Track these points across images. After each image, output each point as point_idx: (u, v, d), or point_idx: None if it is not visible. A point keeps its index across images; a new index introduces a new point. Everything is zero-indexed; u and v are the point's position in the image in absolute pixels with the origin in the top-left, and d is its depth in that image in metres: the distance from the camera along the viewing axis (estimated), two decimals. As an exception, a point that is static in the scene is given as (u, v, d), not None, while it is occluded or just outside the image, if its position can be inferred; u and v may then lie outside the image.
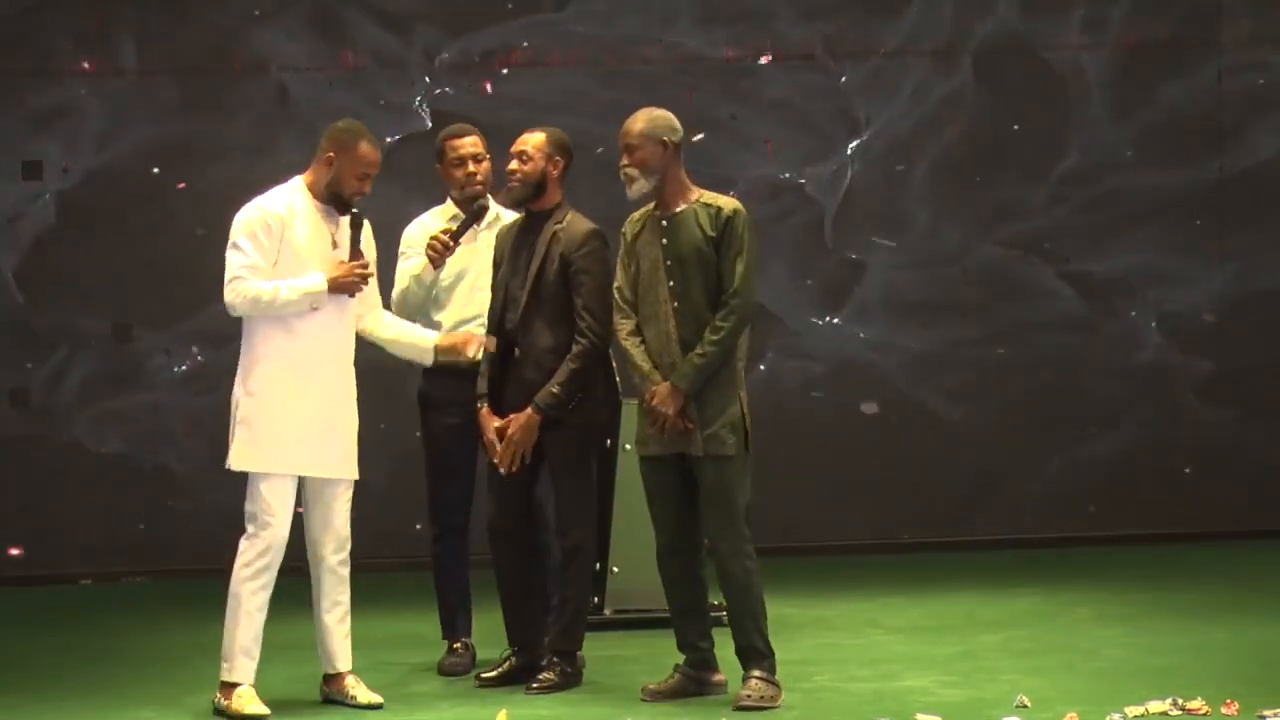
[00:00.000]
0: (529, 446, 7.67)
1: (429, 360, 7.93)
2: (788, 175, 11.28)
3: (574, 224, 7.73)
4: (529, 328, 7.70)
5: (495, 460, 7.75)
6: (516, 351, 7.75)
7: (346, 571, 7.65)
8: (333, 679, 7.67)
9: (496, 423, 7.72)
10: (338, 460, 7.56)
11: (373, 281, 7.64)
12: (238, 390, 7.47)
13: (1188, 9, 11.41)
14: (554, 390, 7.62)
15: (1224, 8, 11.41)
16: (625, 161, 7.47)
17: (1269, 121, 11.47)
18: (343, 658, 7.65)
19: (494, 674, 7.89)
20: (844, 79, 11.28)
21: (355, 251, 7.50)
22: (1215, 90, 11.43)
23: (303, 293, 7.37)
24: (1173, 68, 11.41)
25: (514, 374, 7.75)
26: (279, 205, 7.43)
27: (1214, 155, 11.43)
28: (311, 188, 7.50)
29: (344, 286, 7.45)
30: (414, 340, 7.87)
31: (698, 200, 7.48)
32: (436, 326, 8.18)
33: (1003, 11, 11.33)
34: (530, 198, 7.76)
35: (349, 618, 7.67)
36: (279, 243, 7.38)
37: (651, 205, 7.55)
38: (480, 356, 7.83)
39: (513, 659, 7.88)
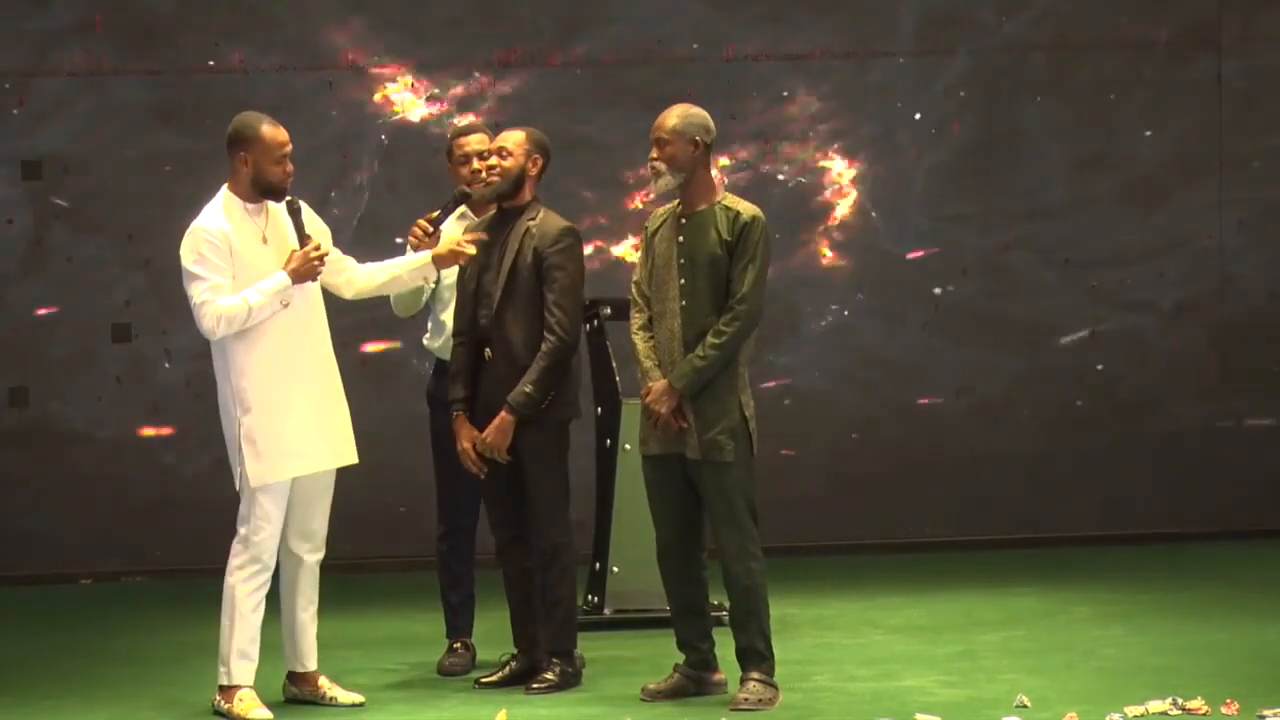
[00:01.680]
0: (503, 447, 7.67)
1: (434, 274, 7.87)
2: (788, 175, 11.27)
3: (547, 220, 7.75)
4: (502, 324, 7.70)
5: (470, 467, 7.76)
6: (488, 351, 7.75)
7: (319, 569, 7.66)
8: (302, 677, 7.66)
9: (470, 434, 7.73)
10: (339, 448, 7.58)
11: (336, 250, 7.65)
12: (233, 411, 7.43)
13: (1188, 9, 11.41)
14: (526, 390, 7.62)
15: (1224, 8, 11.41)
16: (654, 156, 7.47)
17: (1269, 121, 11.47)
18: (314, 656, 7.67)
19: (494, 677, 7.89)
20: (844, 79, 11.28)
21: (303, 237, 7.51)
22: (1215, 90, 11.43)
23: (271, 293, 7.38)
24: (1173, 68, 11.42)
25: (487, 372, 7.75)
26: (216, 222, 7.42)
27: (1214, 154, 11.42)
28: (237, 193, 7.50)
29: (305, 274, 7.46)
30: (409, 265, 7.81)
31: (719, 203, 7.49)
32: (442, 326, 8.19)
33: (1003, 11, 11.33)
34: (508, 193, 7.78)
35: (317, 616, 7.68)
36: (229, 258, 7.39)
37: (675, 203, 7.57)
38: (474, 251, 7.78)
39: (513, 662, 7.88)
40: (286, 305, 7.43)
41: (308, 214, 7.60)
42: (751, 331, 7.44)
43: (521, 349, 7.67)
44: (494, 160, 7.78)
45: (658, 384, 7.41)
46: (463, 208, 8.20)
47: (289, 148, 7.50)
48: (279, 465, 7.41)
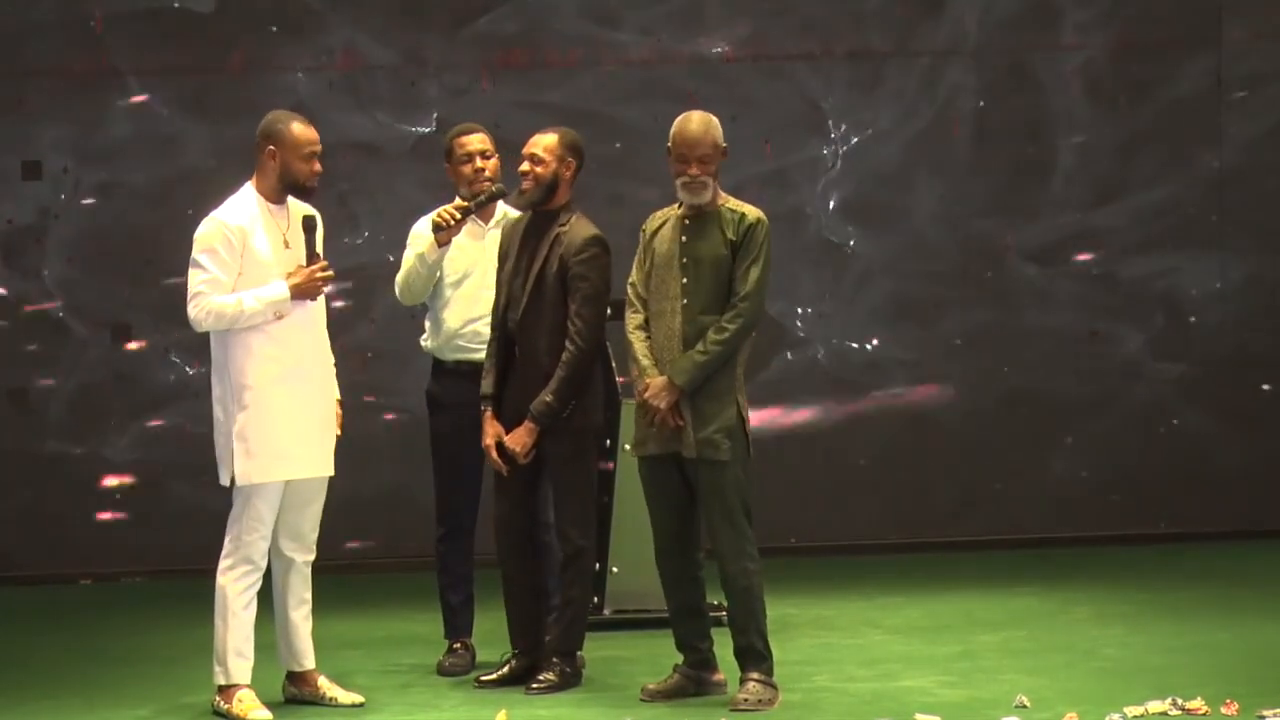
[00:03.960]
0: (521, 452, 7.68)
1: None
2: (787, 175, 11.27)
3: (576, 228, 7.74)
4: (528, 328, 7.72)
5: (494, 464, 7.78)
6: (517, 350, 7.76)
7: (309, 570, 7.66)
8: (300, 677, 7.67)
9: (496, 431, 7.75)
10: (330, 456, 7.58)
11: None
12: (230, 407, 7.44)
13: (1188, 9, 11.41)
14: (548, 400, 7.63)
15: (1224, 8, 11.41)
16: (696, 172, 7.42)
17: (1268, 121, 11.47)
18: (310, 655, 7.67)
19: (494, 676, 7.89)
20: (843, 79, 11.28)
21: (312, 255, 7.49)
22: (1215, 90, 11.43)
23: (266, 303, 7.37)
24: (1172, 67, 11.42)
25: (514, 372, 7.78)
26: (237, 216, 7.43)
27: (1213, 155, 11.43)
28: (261, 190, 7.50)
29: (306, 292, 7.45)
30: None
31: (724, 204, 7.51)
32: (441, 325, 8.20)
33: (1001, 11, 11.33)
34: (543, 200, 7.76)
35: (311, 615, 7.67)
36: (240, 255, 7.38)
37: (676, 204, 7.56)
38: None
39: (513, 661, 7.89)
40: (281, 317, 7.41)
41: (299, 210, 7.58)
42: (753, 330, 7.46)
43: (544, 355, 7.69)
44: (526, 166, 7.74)
45: (657, 379, 7.42)
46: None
47: (318, 146, 7.50)
48: (268, 466, 7.40)
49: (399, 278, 8.23)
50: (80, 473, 10.99)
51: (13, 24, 10.94)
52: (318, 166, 7.50)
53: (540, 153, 7.72)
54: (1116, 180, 11.41)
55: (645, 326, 7.55)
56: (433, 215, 8.04)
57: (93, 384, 11.01)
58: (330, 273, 7.53)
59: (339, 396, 7.74)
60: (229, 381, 7.44)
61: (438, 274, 8.15)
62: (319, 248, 7.59)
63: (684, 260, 7.47)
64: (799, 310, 11.29)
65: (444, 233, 7.97)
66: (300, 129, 7.48)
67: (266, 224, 7.45)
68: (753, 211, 7.50)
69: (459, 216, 7.97)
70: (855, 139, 11.31)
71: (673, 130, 7.51)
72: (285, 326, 7.42)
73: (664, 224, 7.59)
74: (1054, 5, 11.35)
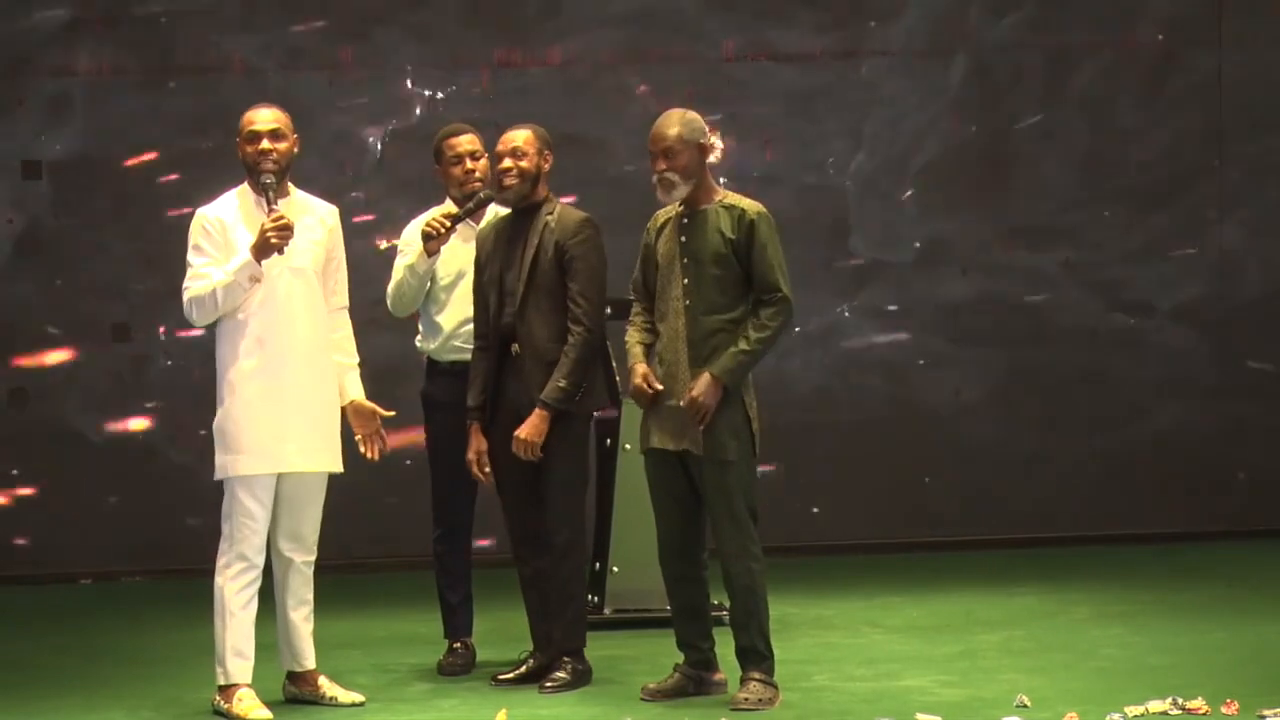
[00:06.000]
0: (538, 446, 7.67)
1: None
2: (787, 175, 11.28)
3: (565, 214, 7.78)
4: (527, 320, 7.71)
5: (476, 476, 7.81)
6: (515, 346, 7.75)
7: (311, 571, 7.64)
8: (300, 677, 7.66)
9: (480, 445, 7.76)
10: (319, 453, 7.51)
11: (341, 276, 7.63)
12: (217, 401, 7.49)
13: (1188, 9, 11.41)
14: (560, 384, 7.63)
15: (1224, 8, 11.42)
16: (664, 167, 7.40)
17: (1268, 120, 11.47)
18: (310, 655, 7.66)
19: (511, 675, 7.90)
20: (844, 79, 11.29)
21: (270, 211, 7.37)
22: (1215, 90, 11.43)
23: (234, 271, 7.34)
24: (1173, 67, 11.42)
25: (513, 368, 7.77)
26: (217, 210, 7.45)
27: (1214, 155, 11.43)
28: (251, 185, 7.51)
29: (263, 246, 7.34)
30: (344, 384, 7.70)
31: (720, 201, 7.49)
32: (437, 328, 8.18)
33: (1003, 11, 11.33)
34: (528, 194, 7.78)
35: (313, 615, 7.66)
36: (223, 247, 7.38)
37: (677, 204, 7.56)
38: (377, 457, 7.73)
39: (531, 660, 7.89)
40: (257, 280, 7.35)
41: (303, 206, 7.54)
42: (790, 321, 7.43)
43: (547, 343, 7.69)
44: (508, 163, 7.75)
45: (702, 379, 7.35)
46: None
47: (255, 125, 7.45)
48: (243, 460, 7.39)
49: (390, 289, 8.21)
50: (80, 472, 10.98)
51: (14, 22, 10.94)
52: (263, 145, 7.43)
53: (521, 146, 7.75)
54: (1115, 179, 11.41)
55: (646, 327, 7.55)
56: (422, 225, 8.04)
57: (92, 384, 11.01)
58: (284, 220, 7.34)
59: (355, 397, 7.67)
60: (218, 374, 7.46)
61: (429, 281, 8.14)
62: (282, 206, 7.46)
63: (684, 260, 7.46)
64: (799, 308, 11.26)
65: (434, 241, 7.97)
66: (245, 115, 7.51)
67: (252, 217, 7.44)
68: (751, 206, 7.48)
69: (449, 225, 7.97)
70: (856, 138, 11.31)
71: None
72: (267, 321, 7.38)
73: (665, 223, 7.59)
74: (1054, 4, 11.35)
